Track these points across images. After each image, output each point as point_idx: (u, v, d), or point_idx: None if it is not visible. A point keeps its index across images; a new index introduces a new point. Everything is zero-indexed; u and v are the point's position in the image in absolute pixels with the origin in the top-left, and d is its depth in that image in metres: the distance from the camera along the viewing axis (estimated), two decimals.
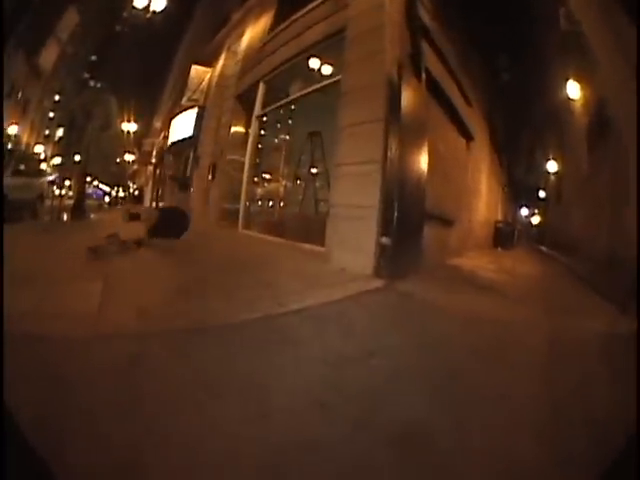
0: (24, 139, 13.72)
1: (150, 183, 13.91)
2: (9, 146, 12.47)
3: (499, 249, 11.87)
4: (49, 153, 14.72)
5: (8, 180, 9.39)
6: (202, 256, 6.52)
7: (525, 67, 11.91)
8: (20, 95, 13.42)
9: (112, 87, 15.57)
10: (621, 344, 3.12)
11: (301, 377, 2.84)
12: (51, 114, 15.37)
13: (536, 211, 19.90)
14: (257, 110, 9.81)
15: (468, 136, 9.39)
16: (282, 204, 10.68)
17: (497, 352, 3.14)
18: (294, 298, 4.04)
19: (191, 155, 12.59)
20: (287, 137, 11.00)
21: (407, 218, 5.03)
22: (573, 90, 8.91)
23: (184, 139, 12.97)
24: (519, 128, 15.25)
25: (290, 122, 10.70)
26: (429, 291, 4.56)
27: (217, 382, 2.70)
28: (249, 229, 9.58)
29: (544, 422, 2.28)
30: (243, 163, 9.88)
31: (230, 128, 10.69)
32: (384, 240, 4.92)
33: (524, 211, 20.77)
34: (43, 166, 13.38)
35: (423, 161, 5.43)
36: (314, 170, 9.98)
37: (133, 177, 14.84)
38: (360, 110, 5.53)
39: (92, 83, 16.06)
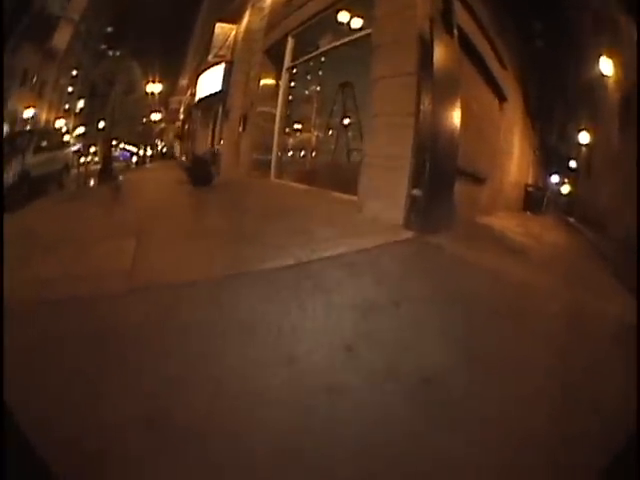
0: (43, 117, 13.67)
1: (178, 139, 14.02)
2: (27, 127, 12.44)
3: (528, 213, 11.66)
4: (71, 125, 14.72)
5: (30, 158, 9.37)
6: (235, 203, 6.64)
7: (559, 36, 11.42)
8: (35, 79, 13.27)
9: (133, 53, 15.30)
10: (625, 330, 3.05)
11: (331, 323, 2.93)
12: (70, 89, 15.21)
13: (566, 180, 19.31)
14: (287, 63, 9.74)
15: (501, 96, 9.13)
16: (314, 154, 10.57)
17: (517, 315, 3.18)
18: (326, 246, 4.11)
19: (220, 109, 12.58)
20: (318, 88, 10.81)
21: (439, 172, 4.98)
22: (606, 67, 8.56)
23: (212, 94, 12.90)
24: (552, 95, 14.65)
25: (320, 73, 10.49)
26: (458, 247, 4.54)
27: (251, 328, 2.80)
28: (281, 178, 9.63)
29: (550, 388, 2.34)
30: (274, 114, 9.87)
31: (259, 81, 10.62)
32: (415, 192, 4.92)
33: (554, 178, 20.15)
34: (66, 138, 13.46)
35: (456, 116, 5.30)
36: (346, 120, 9.81)
37: (161, 135, 14.89)
38: (392, 64, 5.45)
39: (111, 53, 15.77)
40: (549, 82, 13.48)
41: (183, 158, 13.42)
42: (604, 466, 1.60)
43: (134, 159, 13.95)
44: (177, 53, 15.95)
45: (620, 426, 1.94)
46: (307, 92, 11.03)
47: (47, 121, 13.50)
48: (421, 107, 4.96)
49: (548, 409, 2.18)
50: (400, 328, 2.90)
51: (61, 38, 13.70)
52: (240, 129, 11.15)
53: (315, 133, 10.85)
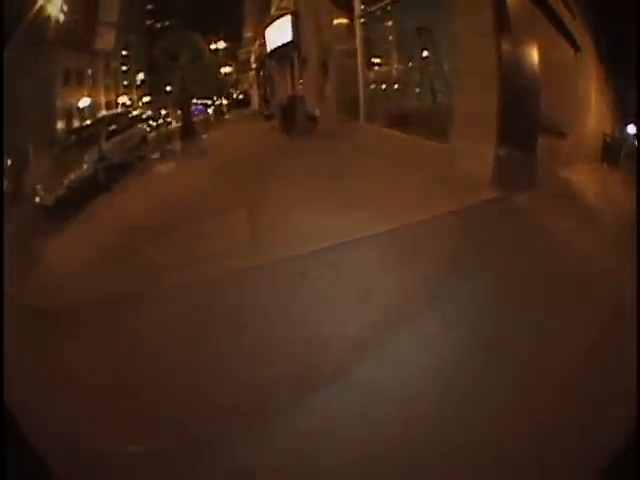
0: (102, 100, 13.60)
1: (255, 86, 14.20)
2: (88, 121, 12.15)
3: (605, 165, 11.26)
4: (135, 97, 14.73)
5: (105, 145, 9.38)
6: (333, 157, 6.75)
7: None
8: (90, 72, 13.11)
9: (183, 22, 14.87)
10: None
11: (425, 284, 3.27)
12: (124, 67, 14.97)
13: None
14: (357, 11, 9.67)
15: (575, 47, 8.74)
16: (396, 87, 10.24)
17: (575, 286, 3.27)
18: (424, 208, 4.37)
19: (296, 58, 12.61)
20: (390, 23, 10.28)
21: (524, 131, 5.20)
22: None
23: (284, 44, 12.82)
24: (625, 47, 13.56)
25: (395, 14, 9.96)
26: (539, 210, 4.64)
27: (368, 293, 3.18)
28: (371, 122, 9.53)
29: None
30: (354, 50, 9.81)
31: (332, 26, 10.63)
32: (501, 151, 5.10)
33: (631, 129, 18.90)
34: (134, 112, 13.48)
35: (536, 71, 5.40)
36: (425, 53, 9.31)
37: (235, 84, 15.09)
38: (469, 23, 5.56)
39: (159, 25, 15.33)
40: (620, 34, 12.42)
41: (262, 106, 13.55)
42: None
43: (210, 111, 14.16)
44: (234, 10, 15.61)
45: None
46: (383, 32, 10.52)
47: (108, 102, 13.47)
48: (502, 63, 5.07)
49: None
50: (477, 293, 3.19)
51: (105, 40, 13.45)
52: (322, 72, 11.14)
53: (395, 66, 10.44)
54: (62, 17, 11.27)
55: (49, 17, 10.58)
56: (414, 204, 4.49)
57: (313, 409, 2.39)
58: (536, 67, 5.38)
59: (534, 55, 5.36)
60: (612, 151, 11.82)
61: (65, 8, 11.34)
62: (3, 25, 7.18)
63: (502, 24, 5.02)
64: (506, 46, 5.04)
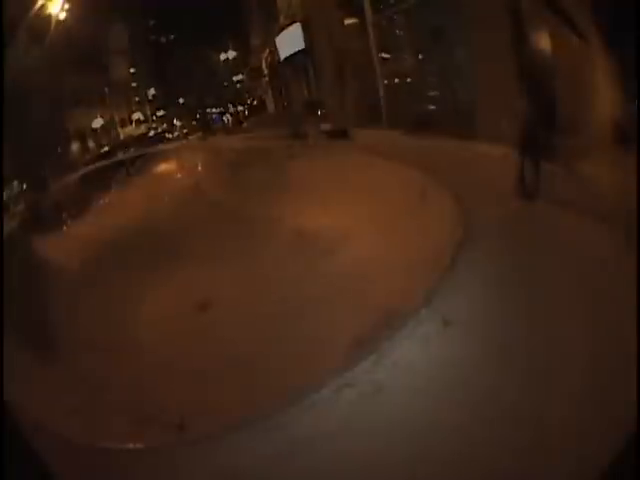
0: (116, 119, 13.69)
1: (269, 92, 14.42)
2: (106, 148, 12.37)
3: (619, 148, 11.30)
4: (149, 112, 14.91)
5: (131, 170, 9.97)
6: (366, 169, 6.69)
7: None
8: (100, 92, 13.25)
9: (189, 33, 14.90)
10: None
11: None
12: (133, 84, 15.06)
13: None
14: (369, 17, 10.00)
15: (581, 37, 8.89)
16: (409, 80, 10.50)
17: (596, 293, 3.25)
18: (449, 222, 4.61)
19: (309, 64, 12.92)
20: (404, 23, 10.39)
21: (543, 137, 5.57)
22: None
23: (297, 52, 12.98)
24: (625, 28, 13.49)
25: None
26: (556, 215, 4.76)
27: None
28: (393, 127, 9.63)
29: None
30: (369, 53, 10.12)
31: (344, 29, 10.98)
32: (523, 160, 5.39)
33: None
34: (151, 133, 13.78)
35: (554, 76, 5.84)
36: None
37: (249, 91, 15.24)
38: (487, 42, 5.97)
39: (163, 39, 15.37)
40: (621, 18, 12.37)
41: (279, 112, 13.74)
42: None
43: (225, 119, 14.38)
44: (239, 19, 15.62)
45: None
46: (397, 32, 10.80)
47: (122, 120, 13.72)
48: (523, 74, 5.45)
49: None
50: (492, 298, 3.42)
51: (118, 70, 13.54)
52: (338, 79, 11.31)
53: (410, 61, 10.52)
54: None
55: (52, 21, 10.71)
56: (442, 219, 4.72)
57: (312, 410, 2.51)
58: (554, 73, 5.86)
59: (551, 61, 5.87)
60: (624, 134, 11.91)
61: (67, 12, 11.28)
62: (3, 25, 7.29)
63: (519, 34, 5.47)
64: (525, 53, 5.51)
